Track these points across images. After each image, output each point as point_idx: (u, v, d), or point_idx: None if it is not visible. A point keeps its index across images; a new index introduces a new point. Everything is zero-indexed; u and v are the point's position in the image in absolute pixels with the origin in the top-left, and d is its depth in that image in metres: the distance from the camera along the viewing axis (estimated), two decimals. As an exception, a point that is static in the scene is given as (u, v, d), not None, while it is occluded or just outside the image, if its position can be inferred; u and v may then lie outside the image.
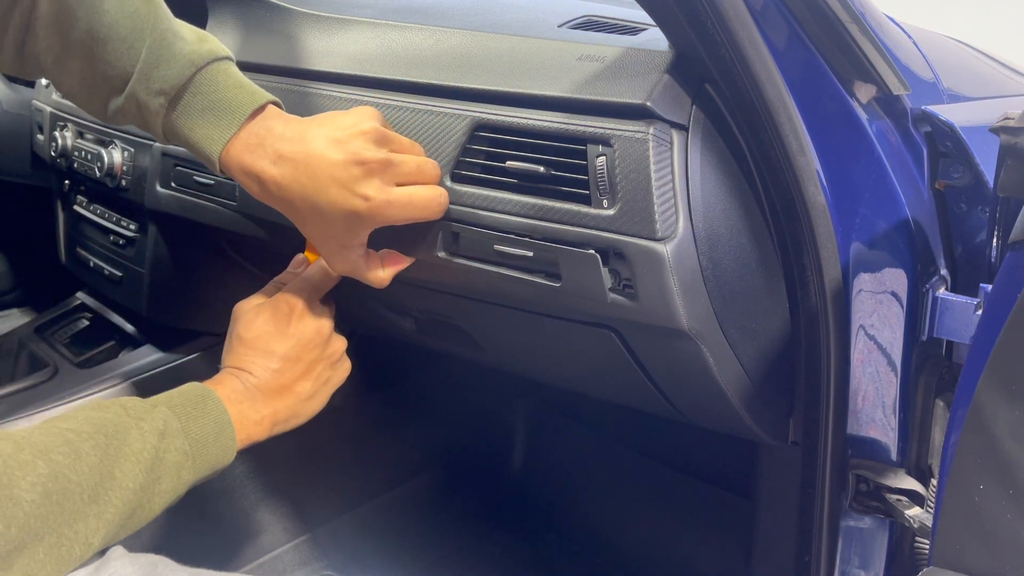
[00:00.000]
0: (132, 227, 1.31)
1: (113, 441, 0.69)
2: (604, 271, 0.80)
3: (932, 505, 0.83)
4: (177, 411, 0.77)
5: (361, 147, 0.80)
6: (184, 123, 0.82)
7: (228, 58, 0.85)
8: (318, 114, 0.85)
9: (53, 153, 1.44)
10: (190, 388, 0.81)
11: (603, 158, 0.78)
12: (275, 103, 0.84)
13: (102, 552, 0.71)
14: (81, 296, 1.52)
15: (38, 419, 0.80)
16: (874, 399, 0.87)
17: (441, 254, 0.89)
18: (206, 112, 0.82)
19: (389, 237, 0.89)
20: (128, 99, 0.82)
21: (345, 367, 0.94)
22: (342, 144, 0.80)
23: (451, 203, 0.88)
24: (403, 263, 0.91)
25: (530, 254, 0.83)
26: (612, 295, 0.80)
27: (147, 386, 1.27)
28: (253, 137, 0.82)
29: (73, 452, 0.67)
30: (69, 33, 0.81)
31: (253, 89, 0.84)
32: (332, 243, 0.85)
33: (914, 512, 0.83)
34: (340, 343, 0.92)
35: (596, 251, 0.80)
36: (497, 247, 0.85)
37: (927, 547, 0.76)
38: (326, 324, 0.90)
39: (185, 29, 0.84)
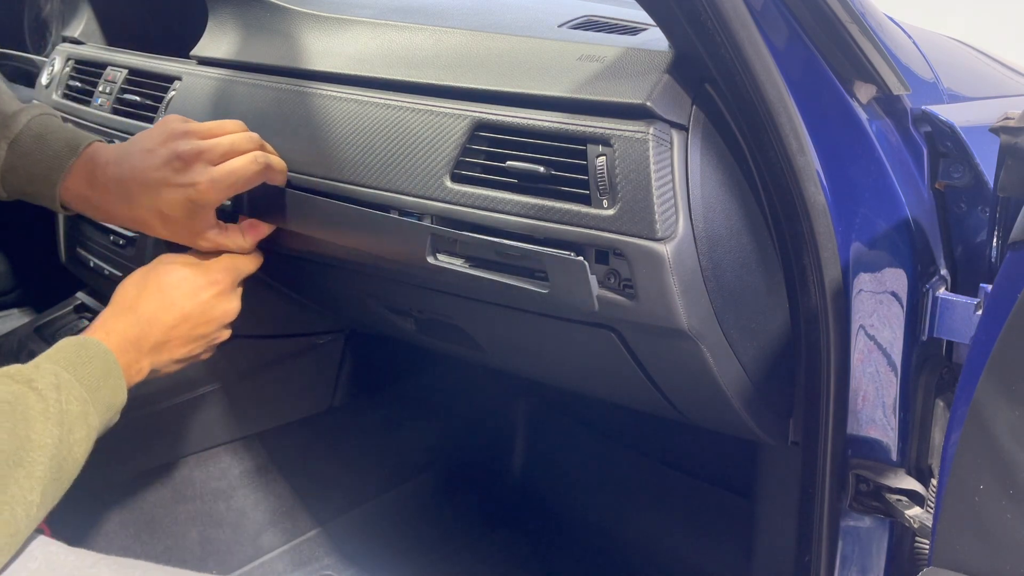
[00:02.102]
0: (132, 227, 1.31)
1: (17, 407, 0.71)
2: (592, 278, 0.80)
3: (932, 505, 0.83)
4: (62, 363, 0.78)
5: (173, 146, 0.90)
6: (23, 165, 0.94)
7: (53, 114, 0.99)
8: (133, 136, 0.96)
9: (53, 153, 1.44)
10: (64, 342, 0.81)
11: (603, 158, 0.78)
12: (98, 141, 0.96)
13: (81, 557, 0.72)
14: (81, 296, 1.51)
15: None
16: (874, 399, 0.87)
17: (431, 258, 0.89)
18: (42, 152, 0.93)
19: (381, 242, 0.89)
20: None
21: (209, 354, 0.97)
22: (155, 152, 0.90)
23: (451, 203, 0.88)
24: (264, 229, 0.99)
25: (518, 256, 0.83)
26: (603, 298, 0.80)
27: (146, 385, 1.27)
28: (85, 172, 0.93)
29: None
30: None
31: (79, 131, 0.97)
32: (186, 234, 0.93)
33: (914, 512, 0.83)
34: (227, 333, 0.97)
35: (585, 256, 0.80)
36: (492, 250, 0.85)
37: (927, 547, 0.76)
38: (232, 312, 0.95)
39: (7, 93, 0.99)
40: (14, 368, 0.75)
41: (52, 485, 0.72)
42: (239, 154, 0.92)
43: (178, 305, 0.89)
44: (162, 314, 0.88)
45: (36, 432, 0.70)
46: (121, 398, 0.82)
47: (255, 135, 0.96)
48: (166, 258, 0.93)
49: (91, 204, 0.94)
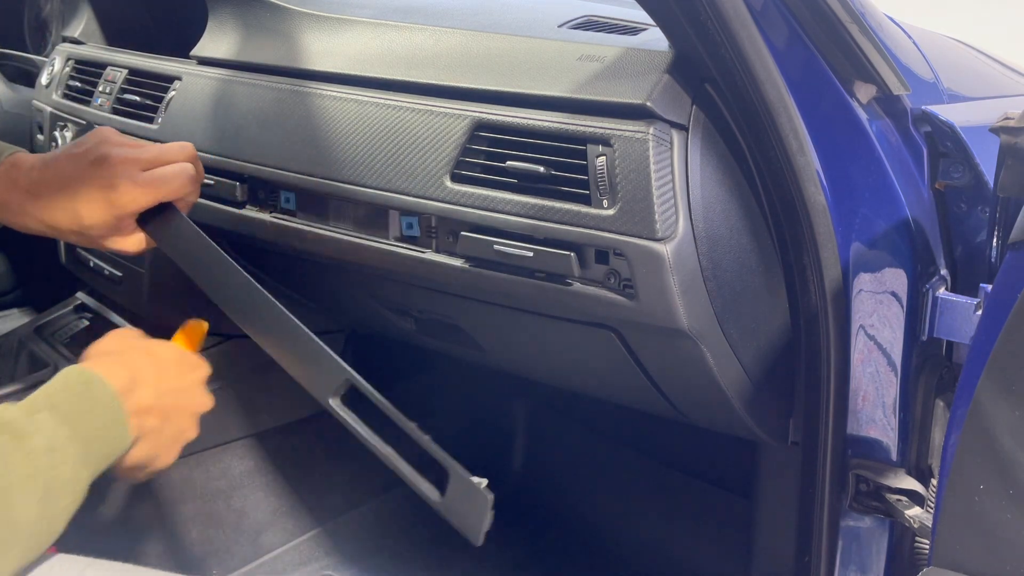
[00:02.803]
0: (132, 227, 1.31)
1: None
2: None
3: (932, 505, 0.83)
4: (62, 412, 0.70)
5: (103, 149, 0.87)
6: None
7: None
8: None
9: (53, 153, 1.44)
10: (72, 375, 0.74)
11: (603, 158, 0.78)
12: (20, 152, 0.93)
13: (71, 562, 0.70)
14: (81, 296, 1.51)
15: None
16: (874, 399, 0.87)
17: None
18: None
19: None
20: None
21: (171, 459, 0.85)
22: (82, 155, 0.87)
23: (451, 203, 0.88)
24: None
25: (530, 254, 0.84)
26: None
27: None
28: (8, 178, 0.89)
29: None
30: None
31: (1, 143, 0.94)
32: (108, 237, 0.88)
33: (914, 512, 0.83)
34: (196, 431, 0.85)
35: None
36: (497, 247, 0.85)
37: (927, 547, 0.76)
38: (207, 405, 0.85)
39: None
40: (9, 414, 0.68)
41: (24, 559, 0.66)
42: (168, 163, 0.88)
43: (171, 373, 0.80)
44: (151, 373, 0.79)
45: (16, 507, 0.64)
46: (123, 445, 0.75)
47: (188, 145, 0.91)
48: (138, 334, 0.85)
49: (9, 210, 0.90)
